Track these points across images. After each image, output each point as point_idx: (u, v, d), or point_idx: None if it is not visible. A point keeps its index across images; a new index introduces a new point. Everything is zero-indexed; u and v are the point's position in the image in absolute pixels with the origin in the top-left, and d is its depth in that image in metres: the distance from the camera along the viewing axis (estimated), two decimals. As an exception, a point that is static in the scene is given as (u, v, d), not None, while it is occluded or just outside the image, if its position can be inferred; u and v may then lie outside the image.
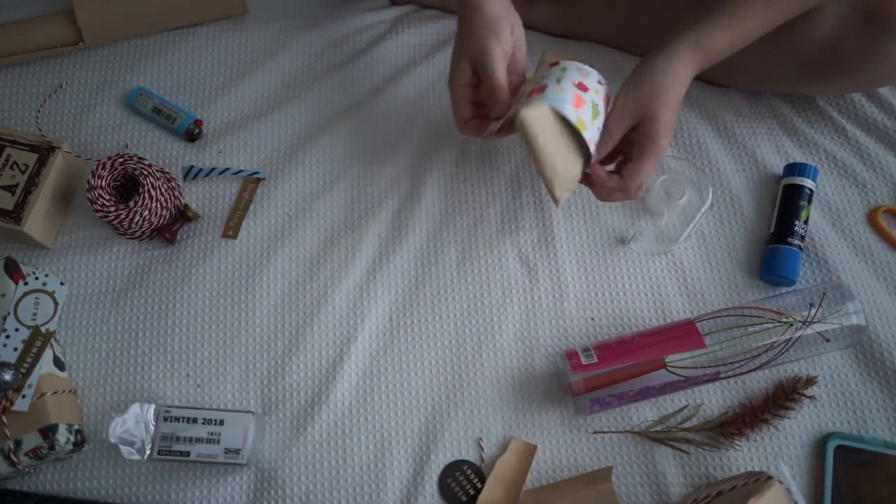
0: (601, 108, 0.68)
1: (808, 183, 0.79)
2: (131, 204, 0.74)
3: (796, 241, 0.76)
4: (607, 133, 0.68)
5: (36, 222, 0.75)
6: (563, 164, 0.67)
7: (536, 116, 0.64)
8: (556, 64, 0.70)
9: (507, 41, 0.69)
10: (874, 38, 0.71)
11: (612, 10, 0.87)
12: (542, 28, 0.91)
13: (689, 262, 0.78)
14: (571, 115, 0.65)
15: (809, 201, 0.79)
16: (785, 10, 0.68)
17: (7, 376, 0.67)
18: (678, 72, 0.67)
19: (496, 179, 0.82)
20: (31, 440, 0.66)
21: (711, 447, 0.70)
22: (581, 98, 0.66)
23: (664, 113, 0.66)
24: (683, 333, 0.69)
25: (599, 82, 0.70)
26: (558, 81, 0.67)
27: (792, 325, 0.68)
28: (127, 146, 0.84)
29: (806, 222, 0.78)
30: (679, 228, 0.78)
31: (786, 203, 0.79)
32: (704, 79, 0.85)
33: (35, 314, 0.73)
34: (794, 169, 0.80)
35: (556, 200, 0.68)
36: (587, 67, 0.70)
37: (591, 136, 0.67)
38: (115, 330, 0.75)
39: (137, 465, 0.70)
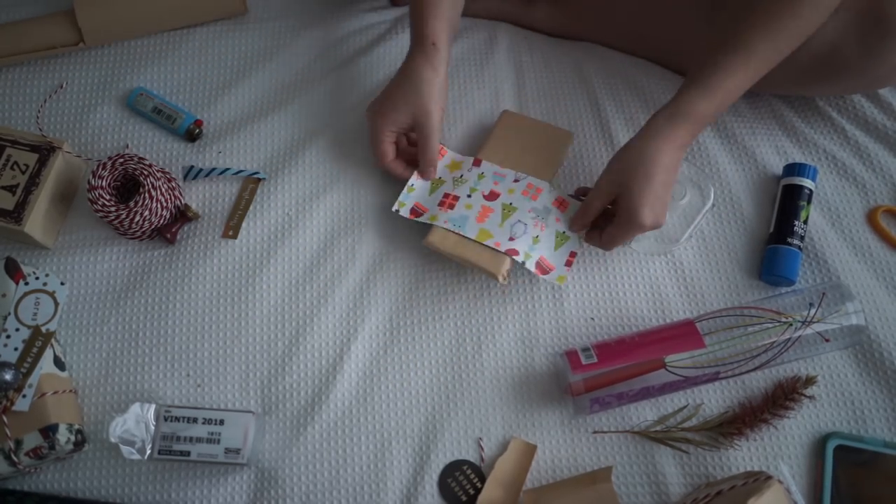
0: (520, 202, 0.76)
1: (807, 183, 0.79)
2: (131, 204, 0.74)
3: (796, 242, 0.76)
4: (587, 205, 0.73)
5: (36, 222, 0.75)
6: (488, 256, 0.73)
7: (439, 241, 0.74)
8: (479, 164, 0.79)
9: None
10: (873, 42, 0.71)
11: (611, 11, 0.87)
12: (540, 28, 0.92)
13: (688, 263, 0.78)
14: (471, 232, 0.74)
15: (809, 201, 0.79)
16: (764, 62, 0.69)
17: (7, 376, 0.67)
18: (658, 146, 0.68)
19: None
20: (32, 440, 0.66)
21: (711, 447, 0.70)
22: (487, 208, 0.75)
23: (640, 186, 0.68)
24: (683, 333, 0.69)
25: (516, 181, 0.77)
26: (469, 195, 0.76)
27: (791, 325, 0.68)
28: (127, 146, 0.84)
29: (805, 222, 0.78)
30: (680, 229, 0.78)
31: (785, 203, 0.79)
32: None
33: (35, 314, 0.73)
34: (793, 169, 0.80)
35: (497, 278, 0.73)
36: (502, 171, 0.78)
37: (504, 233, 0.74)
38: (116, 330, 0.75)
39: (138, 464, 0.70)
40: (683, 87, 0.69)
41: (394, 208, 0.77)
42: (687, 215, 0.79)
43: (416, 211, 0.77)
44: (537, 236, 0.74)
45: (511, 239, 0.73)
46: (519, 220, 0.75)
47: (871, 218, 0.80)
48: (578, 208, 0.74)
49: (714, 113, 0.70)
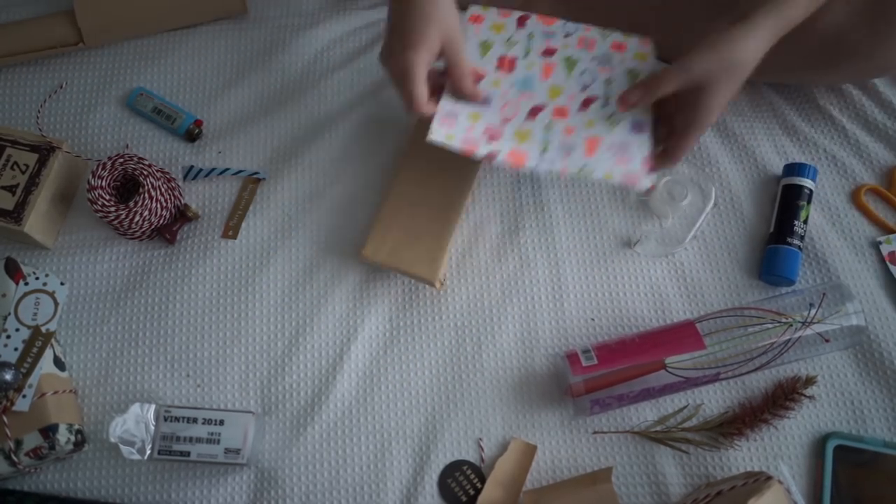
0: (579, 54, 0.73)
1: (807, 183, 0.79)
2: (131, 204, 0.74)
3: (796, 241, 0.76)
4: (657, 80, 0.65)
5: (36, 222, 0.75)
6: (423, 265, 0.73)
7: (371, 253, 0.73)
8: (524, 23, 0.73)
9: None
10: (881, 26, 0.71)
11: (613, 7, 0.87)
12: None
13: (689, 263, 0.78)
14: (541, 90, 0.71)
15: (809, 201, 0.79)
16: None
17: (7, 376, 0.67)
18: (757, 50, 0.63)
19: (497, 179, 0.82)
20: (32, 440, 0.66)
21: (711, 447, 0.70)
22: (549, 65, 0.72)
23: (727, 88, 0.63)
24: (683, 334, 0.69)
25: (566, 35, 0.74)
26: (525, 56, 0.72)
27: (791, 325, 0.68)
28: (127, 146, 0.84)
29: (805, 222, 0.78)
30: (682, 230, 0.78)
31: (785, 203, 0.79)
32: None
33: (35, 314, 0.73)
34: (793, 169, 0.80)
35: (433, 285, 0.73)
36: (550, 28, 0.74)
37: (575, 84, 0.71)
38: (116, 330, 0.75)
39: (137, 464, 0.70)
40: None
41: (435, 138, 0.67)
42: (689, 216, 0.79)
43: (468, 138, 0.69)
44: (612, 115, 0.69)
45: (584, 89, 0.71)
46: (585, 70, 0.72)
47: (854, 197, 0.80)
48: (642, 81, 0.67)
49: (802, 18, 0.65)
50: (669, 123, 0.68)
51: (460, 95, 0.69)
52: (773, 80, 0.85)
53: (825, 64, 0.78)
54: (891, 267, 0.77)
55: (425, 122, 0.69)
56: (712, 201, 0.78)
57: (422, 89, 0.65)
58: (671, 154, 0.67)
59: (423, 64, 0.64)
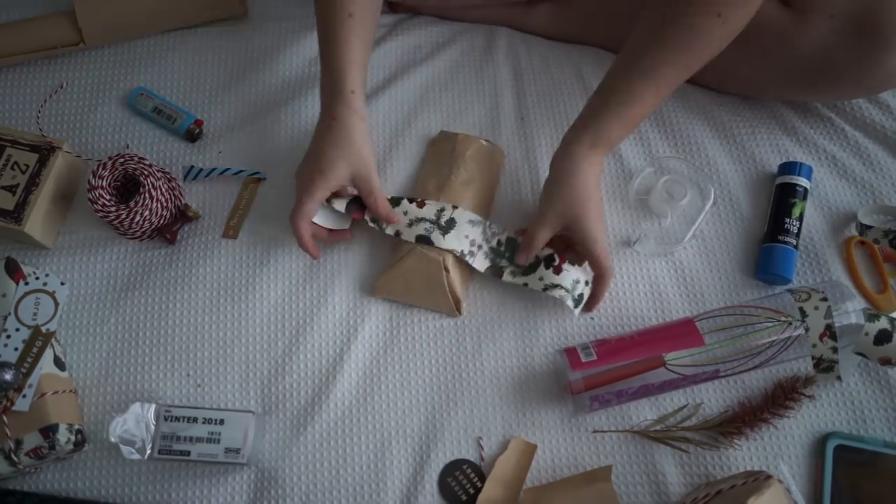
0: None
1: (799, 180, 0.79)
2: (132, 204, 0.74)
3: (789, 239, 0.77)
4: (529, 241, 0.72)
5: (36, 222, 0.75)
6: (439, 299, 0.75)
7: (383, 289, 0.75)
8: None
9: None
10: (866, 50, 0.72)
11: (611, 14, 0.87)
12: (541, 32, 0.92)
13: (688, 262, 0.78)
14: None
15: (803, 198, 0.79)
16: (672, 88, 0.69)
17: (7, 376, 0.67)
18: (586, 170, 0.69)
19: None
20: (32, 440, 0.66)
21: (711, 446, 0.70)
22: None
23: (591, 212, 0.69)
24: (683, 332, 0.69)
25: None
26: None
27: (791, 323, 0.68)
28: (127, 146, 0.84)
29: (798, 219, 0.78)
30: (682, 229, 0.79)
31: (778, 201, 0.79)
32: (700, 83, 0.85)
33: (35, 314, 0.73)
34: (787, 167, 0.80)
35: (456, 314, 0.75)
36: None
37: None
38: (116, 330, 0.75)
39: (138, 464, 0.70)
40: (601, 112, 0.69)
41: None
42: (688, 215, 0.79)
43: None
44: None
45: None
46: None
47: (846, 247, 0.79)
48: (521, 243, 0.74)
49: (626, 135, 0.72)
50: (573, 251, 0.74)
51: (379, 219, 0.75)
52: (768, 99, 0.86)
53: (812, 86, 0.79)
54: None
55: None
56: (711, 200, 0.79)
57: (309, 207, 0.71)
58: (599, 283, 0.72)
59: (322, 191, 0.71)
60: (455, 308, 0.75)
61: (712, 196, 0.79)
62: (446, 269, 0.73)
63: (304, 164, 0.73)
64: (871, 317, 0.68)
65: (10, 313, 0.72)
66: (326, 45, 0.72)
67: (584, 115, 0.71)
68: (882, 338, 0.68)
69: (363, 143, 0.71)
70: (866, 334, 0.68)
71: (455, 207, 0.75)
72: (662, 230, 0.79)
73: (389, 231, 0.75)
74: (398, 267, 0.74)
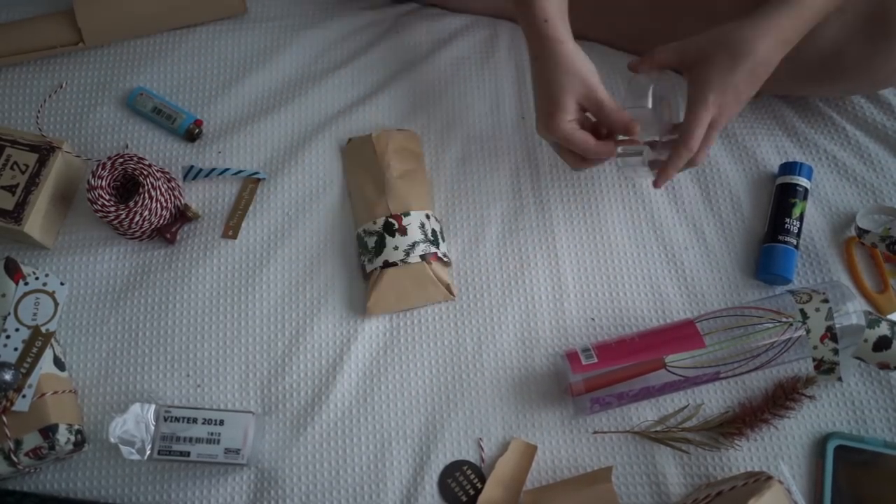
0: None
1: (799, 180, 0.79)
2: (131, 204, 0.74)
3: (789, 239, 0.76)
4: (653, 52, 0.67)
5: (36, 222, 0.75)
6: (430, 291, 0.75)
7: (374, 306, 0.75)
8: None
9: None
10: (876, 43, 0.71)
11: (612, 9, 0.87)
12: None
13: (688, 263, 0.78)
14: None
15: (803, 198, 0.79)
16: None
17: (7, 376, 0.67)
18: (760, 29, 0.64)
19: (497, 180, 0.82)
20: (32, 440, 0.66)
21: (711, 447, 0.70)
22: None
23: (722, 61, 0.63)
24: (683, 333, 0.69)
25: None
26: None
27: (791, 324, 0.68)
28: (127, 146, 0.84)
29: (799, 219, 0.78)
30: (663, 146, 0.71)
31: (778, 201, 0.79)
32: None
33: (35, 314, 0.73)
34: (787, 167, 0.80)
35: (451, 298, 0.76)
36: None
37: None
38: (115, 330, 0.75)
39: (137, 465, 0.70)
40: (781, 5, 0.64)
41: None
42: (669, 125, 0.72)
43: None
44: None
45: None
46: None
47: (846, 247, 0.79)
48: (647, 54, 0.68)
49: (820, 10, 0.65)
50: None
51: (619, 131, 0.68)
52: (775, 93, 0.86)
53: (822, 80, 0.78)
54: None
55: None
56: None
57: (584, 142, 0.66)
58: (675, 148, 0.66)
59: (568, 125, 0.66)
60: (449, 292, 0.75)
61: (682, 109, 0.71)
62: (427, 262, 0.74)
63: (537, 116, 0.69)
64: (871, 322, 0.68)
65: (9, 313, 0.72)
66: None
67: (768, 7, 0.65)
68: (881, 344, 0.68)
69: (572, 64, 0.66)
70: (865, 341, 0.68)
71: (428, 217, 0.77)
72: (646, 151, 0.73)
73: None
74: (382, 282, 0.74)
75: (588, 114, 0.69)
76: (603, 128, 0.69)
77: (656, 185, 0.70)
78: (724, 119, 0.66)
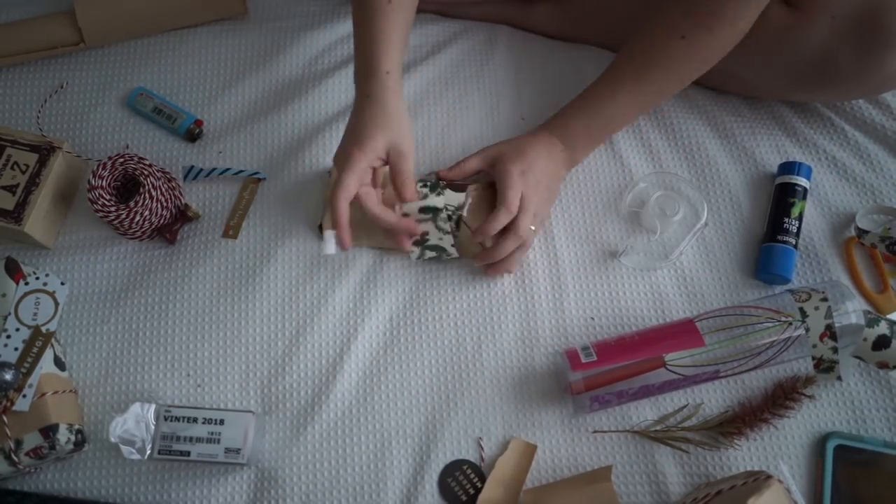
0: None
1: (798, 180, 0.79)
2: (132, 204, 0.74)
3: (788, 239, 0.77)
4: (462, 162, 0.76)
5: (36, 222, 0.75)
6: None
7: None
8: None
9: None
10: (867, 51, 0.72)
11: (610, 13, 0.87)
12: (540, 30, 0.92)
13: (688, 263, 0.79)
14: None
15: (803, 198, 0.79)
16: (657, 98, 0.75)
17: (7, 376, 0.67)
18: (536, 139, 0.75)
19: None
20: (32, 440, 0.66)
21: (711, 447, 0.70)
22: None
23: (518, 163, 0.72)
24: (683, 332, 0.69)
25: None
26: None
27: (791, 323, 0.68)
28: (127, 146, 0.84)
29: (797, 219, 0.78)
30: (670, 245, 0.78)
31: (777, 201, 0.79)
32: (702, 84, 0.85)
33: (35, 314, 0.73)
34: (786, 167, 0.80)
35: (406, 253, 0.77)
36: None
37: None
38: (116, 330, 0.75)
39: (138, 464, 0.70)
40: (569, 104, 0.76)
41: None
42: (678, 233, 0.79)
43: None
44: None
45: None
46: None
47: (846, 247, 0.79)
48: (455, 164, 0.76)
49: (595, 133, 0.76)
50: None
51: (402, 200, 0.70)
52: (769, 99, 0.86)
53: (813, 87, 0.79)
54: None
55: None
56: (703, 220, 0.78)
57: (350, 181, 0.66)
58: (486, 229, 0.70)
59: (362, 160, 0.66)
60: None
61: (705, 215, 0.79)
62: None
63: (340, 145, 0.70)
64: (870, 321, 0.68)
65: (10, 313, 0.72)
66: (360, 26, 0.70)
67: (561, 113, 0.77)
68: (880, 343, 0.68)
69: (400, 116, 0.68)
70: (864, 340, 0.68)
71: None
72: (651, 245, 0.79)
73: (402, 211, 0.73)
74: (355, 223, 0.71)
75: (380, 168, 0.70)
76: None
77: (487, 272, 0.76)
78: (534, 197, 0.72)
